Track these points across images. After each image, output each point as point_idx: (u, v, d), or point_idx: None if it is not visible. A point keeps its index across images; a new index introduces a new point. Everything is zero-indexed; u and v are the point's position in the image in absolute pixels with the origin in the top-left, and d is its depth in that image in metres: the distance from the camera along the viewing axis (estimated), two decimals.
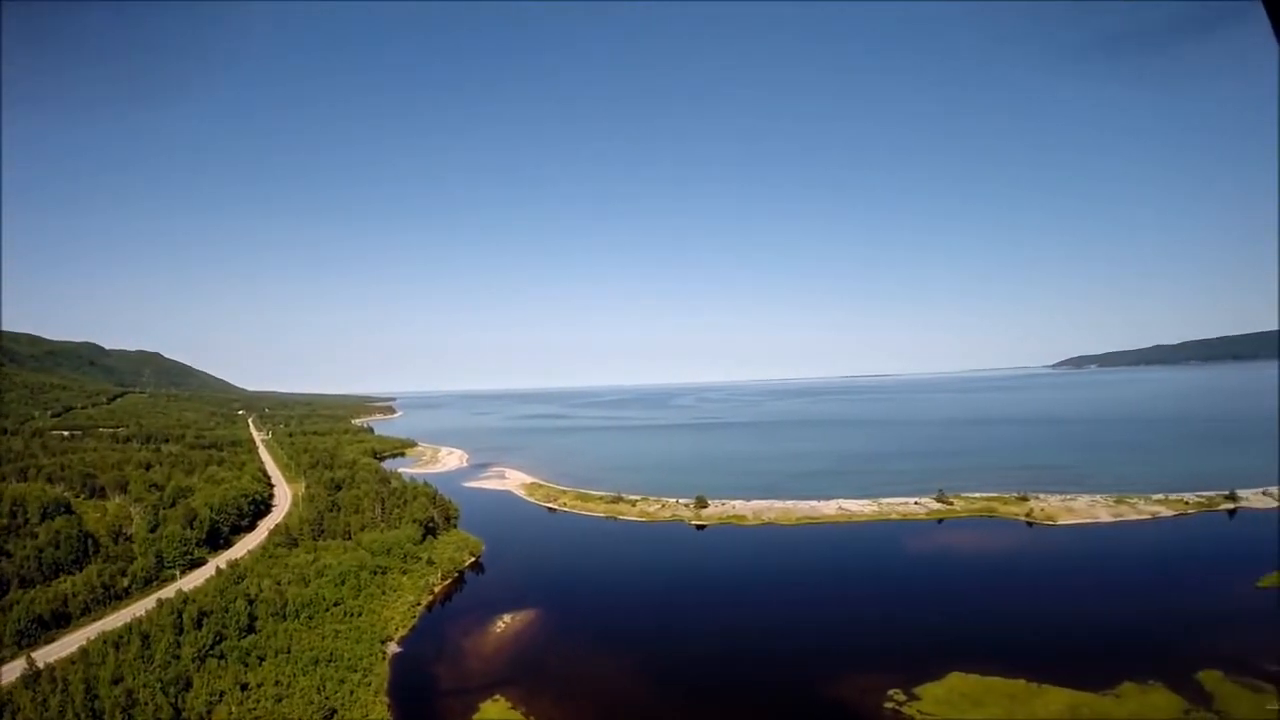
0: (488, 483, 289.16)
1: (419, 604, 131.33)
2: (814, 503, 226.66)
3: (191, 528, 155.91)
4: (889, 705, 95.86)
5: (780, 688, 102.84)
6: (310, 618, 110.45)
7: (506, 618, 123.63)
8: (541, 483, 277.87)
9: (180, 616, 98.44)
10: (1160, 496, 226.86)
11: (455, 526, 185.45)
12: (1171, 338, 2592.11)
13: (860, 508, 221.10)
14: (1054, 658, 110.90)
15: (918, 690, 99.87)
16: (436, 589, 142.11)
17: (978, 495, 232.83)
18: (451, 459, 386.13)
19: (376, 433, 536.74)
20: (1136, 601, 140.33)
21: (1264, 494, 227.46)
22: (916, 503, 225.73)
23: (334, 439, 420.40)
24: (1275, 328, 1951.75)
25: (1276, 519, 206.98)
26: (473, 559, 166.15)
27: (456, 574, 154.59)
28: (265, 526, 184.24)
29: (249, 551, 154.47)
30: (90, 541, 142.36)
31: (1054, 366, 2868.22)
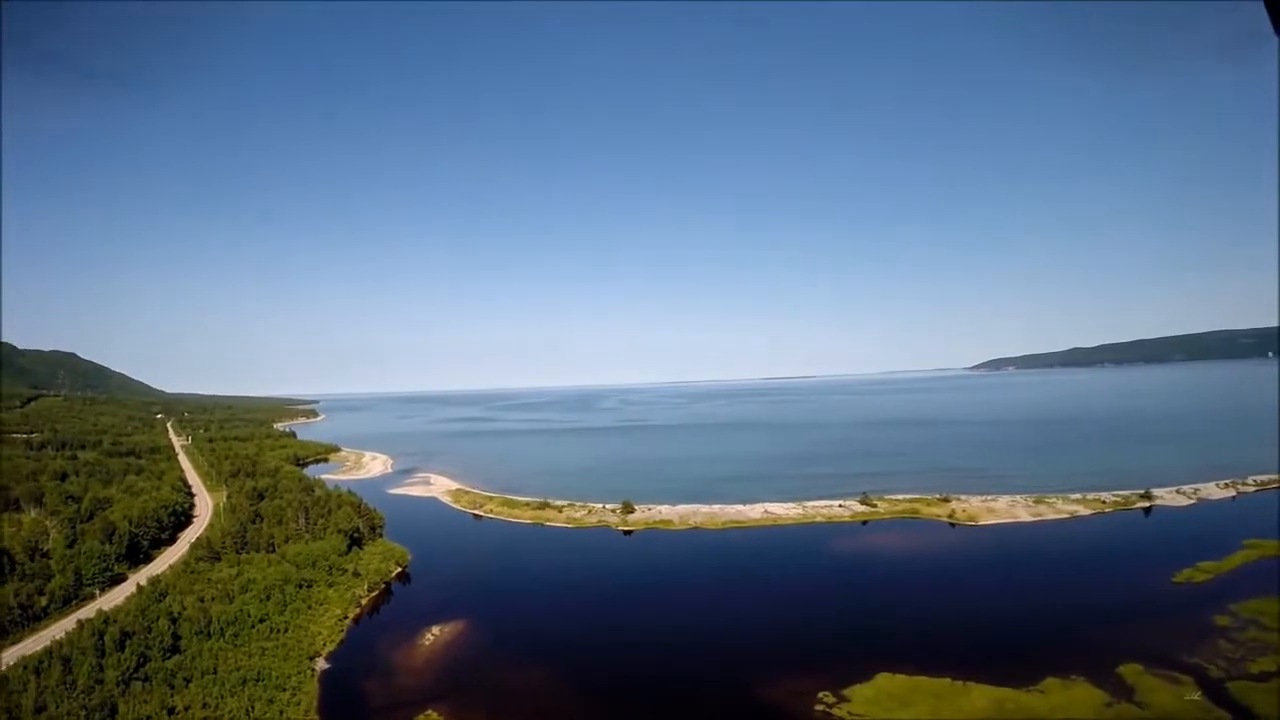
0: (412, 489, 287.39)
1: (346, 617, 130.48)
2: (739, 506, 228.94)
3: (110, 542, 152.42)
4: (819, 707, 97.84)
5: (712, 692, 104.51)
6: (236, 636, 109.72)
7: (436, 629, 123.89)
8: (467, 489, 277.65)
9: (102, 638, 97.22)
10: (1078, 496, 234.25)
11: (381, 536, 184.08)
12: (1088, 341, 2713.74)
13: (785, 511, 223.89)
14: (978, 656, 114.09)
15: (847, 691, 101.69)
16: (364, 601, 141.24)
17: (901, 497, 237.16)
18: (375, 465, 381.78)
19: (299, 437, 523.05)
20: (1057, 598, 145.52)
21: (1178, 492, 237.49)
22: (841, 505, 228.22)
23: (255, 445, 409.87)
24: (1183, 332, 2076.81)
25: (1190, 516, 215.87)
26: (399, 569, 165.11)
27: (383, 585, 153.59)
28: (186, 539, 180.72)
29: (170, 566, 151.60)
30: (5, 558, 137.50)
31: (973, 368, 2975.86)
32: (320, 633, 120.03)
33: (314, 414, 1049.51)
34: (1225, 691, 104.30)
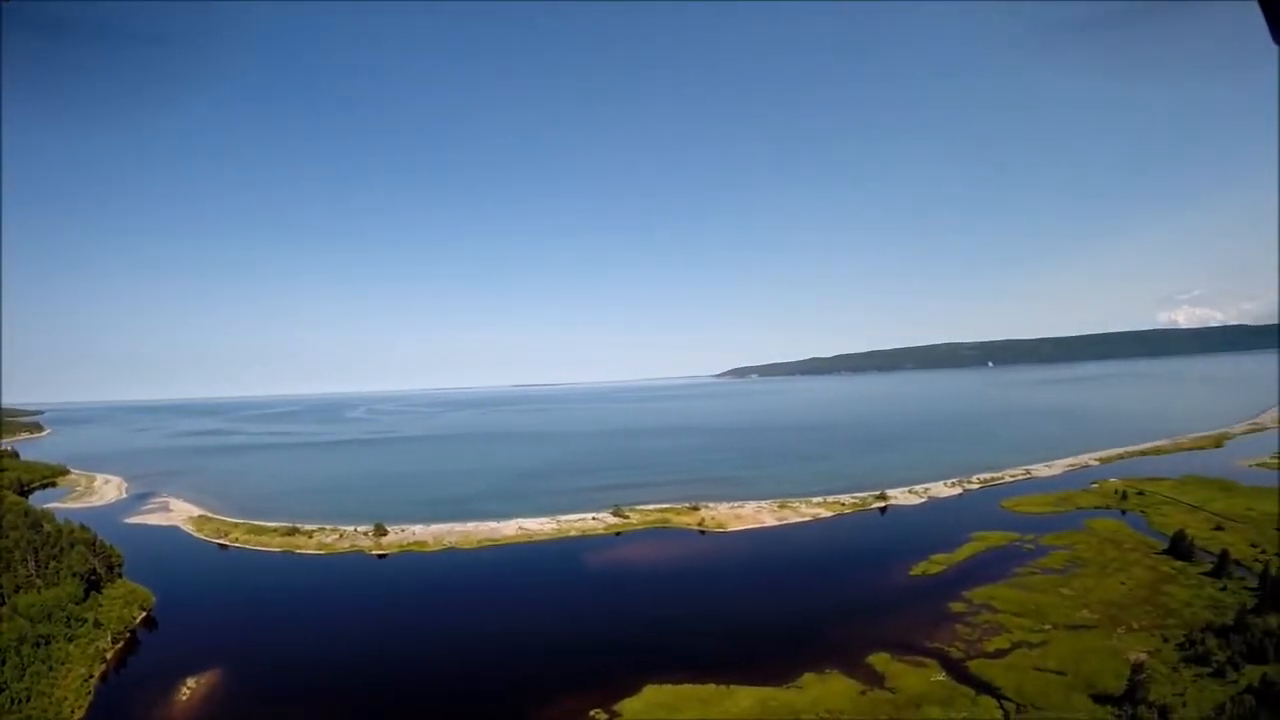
0: (151, 517, 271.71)
1: (92, 676, 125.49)
2: (493, 523, 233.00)
3: None
4: None
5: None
6: None
7: (191, 681, 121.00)
8: (211, 515, 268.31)
9: None
10: (819, 499, 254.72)
11: (121, 576, 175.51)
12: (825, 351, 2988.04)
13: (540, 526, 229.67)
14: (739, 659, 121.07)
15: (617, 706, 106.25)
16: (109, 655, 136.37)
17: (652, 507, 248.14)
18: (109, 489, 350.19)
19: (22, 457, 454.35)
20: (807, 598, 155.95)
21: (910, 492, 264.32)
22: (594, 518, 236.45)
23: None
24: (913, 344, 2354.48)
25: (922, 513, 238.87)
26: (144, 614, 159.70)
27: (128, 634, 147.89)
28: None
29: None
30: None
31: (719, 376, 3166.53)
32: (66, 697, 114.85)
33: (39, 428, 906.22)
34: (966, 670, 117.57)
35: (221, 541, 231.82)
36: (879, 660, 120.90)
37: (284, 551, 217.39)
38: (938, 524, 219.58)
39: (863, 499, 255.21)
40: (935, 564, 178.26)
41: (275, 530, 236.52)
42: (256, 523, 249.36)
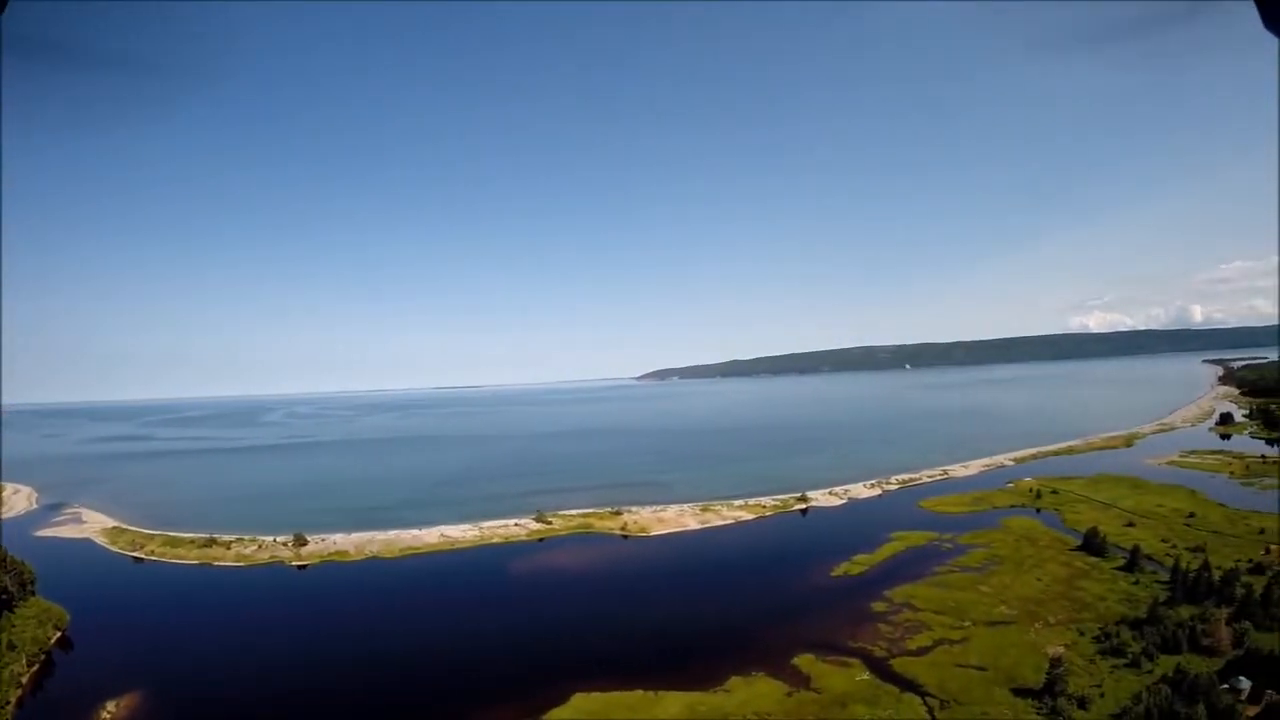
0: (63, 529, 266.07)
1: (8, 703, 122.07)
2: (416, 531, 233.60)
3: None
4: None
5: None
6: None
7: (111, 705, 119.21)
8: (125, 526, 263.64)
9: None
10: (741, 502, 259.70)
11: (34, 593, 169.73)
12: (745, 354, 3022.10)
13: (462, 533, 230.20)
14: (666, 664, 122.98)
15: (546, 717, 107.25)
16: (25, 679, 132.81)
17: (575, 512, 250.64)
18: (19, 499, 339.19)
19: None
20: (732, 601, 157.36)
21: (830, 493, 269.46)
22: (517, 524, 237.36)
23: None
24: (830, 347, 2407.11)
25: (842, 514, 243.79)
26: (59, 634, 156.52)
27: (43, 656, 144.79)
28: None
29: None
30: None
31: (640, 378, 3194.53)
32: None
33: None
34: (890, 668, 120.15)
35: (137, 554, 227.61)
36: (804, 661, 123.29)
37: (201, 564, 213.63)
38: (858, 525, 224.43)
39: (784, 501, 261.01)
40: (857, 564, 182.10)
41: (192, 542, 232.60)
42: (172, 534, 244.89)
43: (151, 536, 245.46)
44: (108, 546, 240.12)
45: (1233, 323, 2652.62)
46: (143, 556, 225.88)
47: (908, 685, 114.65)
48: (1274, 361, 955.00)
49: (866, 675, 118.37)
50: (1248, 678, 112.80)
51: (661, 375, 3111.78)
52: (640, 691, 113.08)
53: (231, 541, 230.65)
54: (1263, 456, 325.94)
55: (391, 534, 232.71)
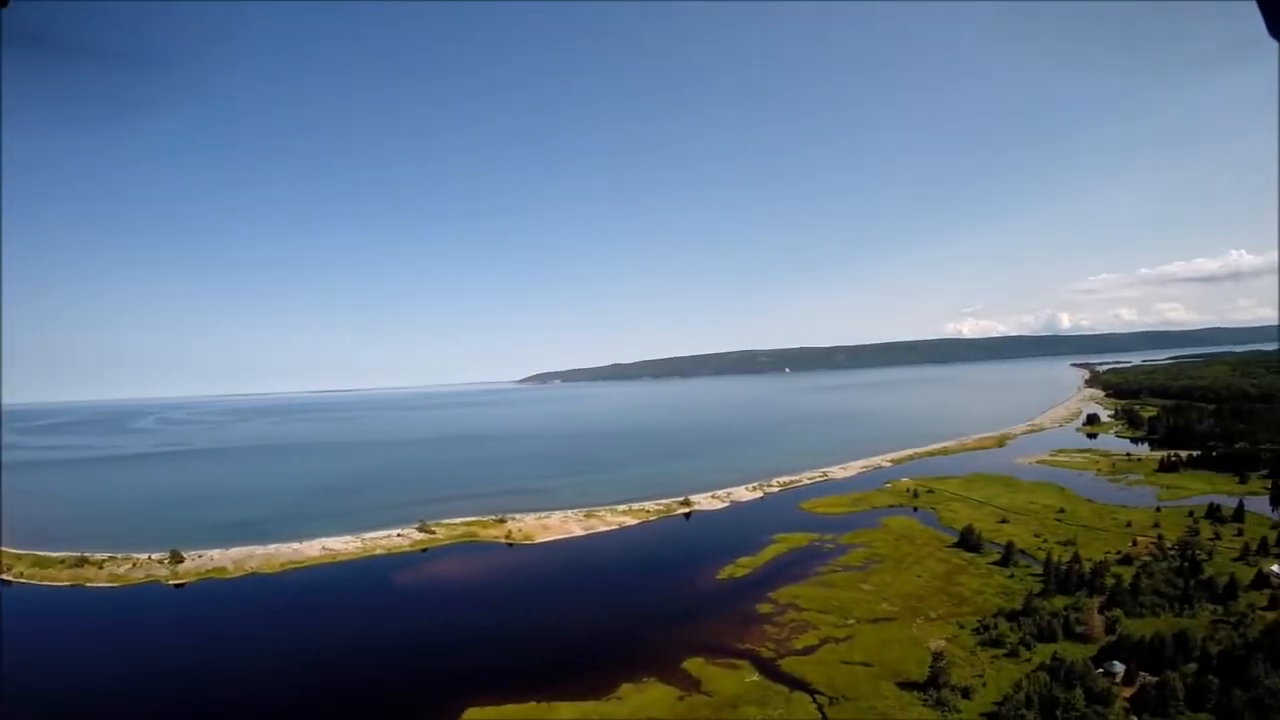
0: None
1: None
2: (296, 544, 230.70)
3: None
4: None
5: None
6: None
7: None
8: None
9: None
10: (625, 507, 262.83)
11: None
12: (627, 358, 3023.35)
13: (344, 545, 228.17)
14: (558, 673, 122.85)
15: None
16: None
17: (458, 520, 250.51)
18: None
19: None
20: (620, 606, 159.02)
21: (712, 497, 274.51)
22: (400, 534, 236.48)
23: None
24: (714, 351, 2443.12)
25: (725, 517, 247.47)
26: None
27: None
28: None
29: None
30: None
31: (521, 381, 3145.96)
32: None
33: None
34: (778, 668, 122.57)
35: (5, 577, 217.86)
36: (694, 665, 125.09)
37: (73, 585, 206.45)
38: (741, 527, 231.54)
39: (667, 505, 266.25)
40: (741, 567, 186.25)
41: (62, 561, 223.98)
42: (40, 553, 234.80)
43: (19, 556, 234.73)
44: None
45: (1099, 329, 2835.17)
46: (10, 579, 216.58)
47: (796, 684, 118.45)
48: (1136, 365, 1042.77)
49: (756, 676, 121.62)
50: (1121, 662, 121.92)
51: (543, 379, 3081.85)
52: (534, 703, 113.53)
53: (104, 560, 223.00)
54: (1127, 454, 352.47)
55: (271, 548, 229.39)
